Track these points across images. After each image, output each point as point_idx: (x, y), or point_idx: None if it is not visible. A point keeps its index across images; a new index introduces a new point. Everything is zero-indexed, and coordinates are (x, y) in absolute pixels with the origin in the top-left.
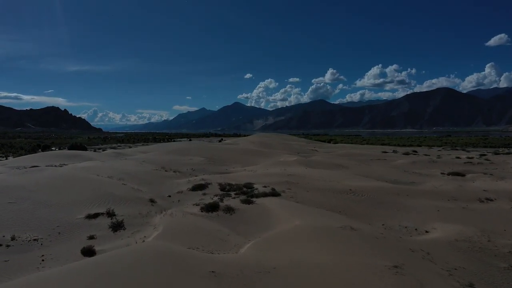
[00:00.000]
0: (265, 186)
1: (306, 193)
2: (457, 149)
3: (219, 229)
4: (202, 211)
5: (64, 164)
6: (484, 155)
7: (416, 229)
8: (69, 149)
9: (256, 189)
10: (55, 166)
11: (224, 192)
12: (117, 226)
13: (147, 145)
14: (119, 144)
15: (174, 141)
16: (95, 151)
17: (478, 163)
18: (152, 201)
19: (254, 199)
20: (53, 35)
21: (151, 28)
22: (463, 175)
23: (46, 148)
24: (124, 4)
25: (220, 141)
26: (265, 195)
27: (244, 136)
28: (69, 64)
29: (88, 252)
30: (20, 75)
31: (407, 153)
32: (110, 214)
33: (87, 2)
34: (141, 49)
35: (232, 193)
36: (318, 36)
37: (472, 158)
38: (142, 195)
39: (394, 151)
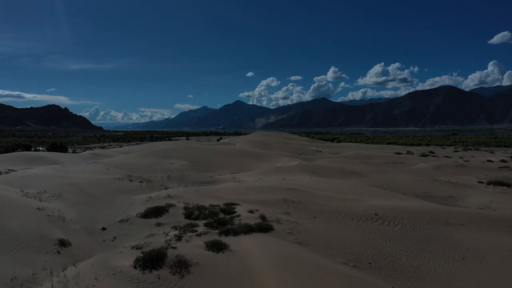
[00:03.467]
0: (251, 211)
1: (312, 221)
2: (470, 149)
3: None
4: (135, 268)
5: (12, 170)
6: None
7: None
8: (48, 149)
9: (238, 216)
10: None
11: (189, 221)
12: None
13: (140, 143)
14: (109, 144)
15: (171, 139)
16: (74, 151)
17: None
18: (62, 243)
19: (229, 240)
20: (55, 34)
21: (153, 26)
22: (508, 184)
23: (26, 148)
24: (126, 2)
25: (218, 140)
26: (248, 229)
27: (245, 134)
28: (71, 62)
29: None
30: (23, 73)
31: (424, 155)
32: None
33: (89, 1)
34: (143, 47)
35: (201, 224)
36: (320, 35)
37: (505, 161)
38: (56, 229)
39: (409, 152)
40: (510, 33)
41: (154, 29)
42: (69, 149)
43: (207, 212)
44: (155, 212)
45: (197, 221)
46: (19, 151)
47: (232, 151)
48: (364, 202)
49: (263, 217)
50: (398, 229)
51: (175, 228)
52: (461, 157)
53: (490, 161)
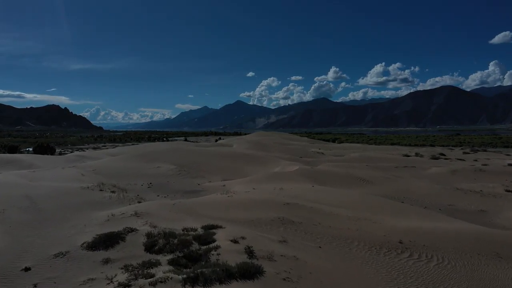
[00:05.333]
0: (235, 241)
1: (317, 254)
2: (478, 150)
3: None
4: None
5: None
6: None
7: None
8: (34, 149)
9: (217, 248)
10: None
11: (149, 257)
12: None
13: (137, 144)
14: (104, 144)
15: (169, 140)
16: (60, 153)
17: None
18: None
19: None
20: (55, 33)
21: (153, 26)
22: None
23: (12, 149)
24: (126, 2)
25: (217, 140)
26: (227, 275)
27: (245, 134)
28: (72, 62)
29: None
30: (23, 73)
31: (435, 157)
32: None
33: (89, 1)
34: (143, 47)
35: (164, 261)
36: (321, 35)
37: None
38: None
39: (418, 154)
40: (511, 33)
41: (154, 29)
42: (57, 150)
43: (176, 241)
44: (107, 241)
45: (159, 256)
46: (4, 153)
47: (227, 153)
48: (382, 223)
49: (250, 251)
50: (434, 266)
51: (125, 268)
52: (476, 160)
53: (511, 165)
